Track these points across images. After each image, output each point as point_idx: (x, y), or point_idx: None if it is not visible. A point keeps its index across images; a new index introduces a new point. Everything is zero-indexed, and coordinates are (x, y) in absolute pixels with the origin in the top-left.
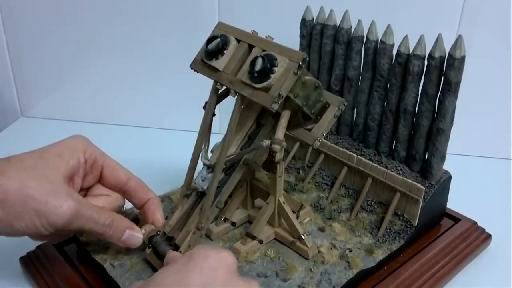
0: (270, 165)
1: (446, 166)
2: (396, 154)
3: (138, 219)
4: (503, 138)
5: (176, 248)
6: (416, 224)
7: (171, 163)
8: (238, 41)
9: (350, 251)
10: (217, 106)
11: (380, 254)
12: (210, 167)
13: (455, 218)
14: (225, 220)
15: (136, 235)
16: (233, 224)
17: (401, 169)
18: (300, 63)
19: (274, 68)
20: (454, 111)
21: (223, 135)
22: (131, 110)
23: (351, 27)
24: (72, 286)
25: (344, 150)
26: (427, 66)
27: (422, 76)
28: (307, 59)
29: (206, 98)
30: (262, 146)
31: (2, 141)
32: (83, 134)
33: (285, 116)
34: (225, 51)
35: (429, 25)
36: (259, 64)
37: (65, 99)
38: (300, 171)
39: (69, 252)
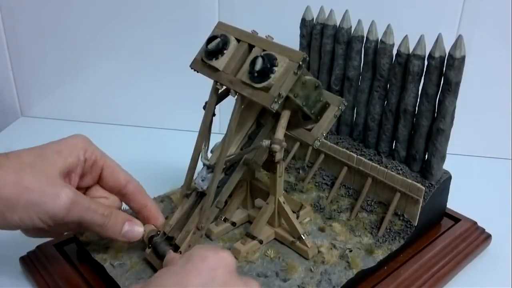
0: (270, 165)
1: (446, 166)
2: (396, 154)
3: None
4: (503, 138)
5: (176, 248)
6: (416, 224)
7: (171, 163)
8: (238, 41)
9: (350, 251)
10: (217, 106)
11: (380, 254)
12: (210, 167)
13: (455, 218)
14: (225, 220)
15: (136, 228)
16: (233, 224)
17: (401, 169)
18: (300, 63)
19: (274, 68)
20: (454, 111)
21: (223, 135)
22: (131, 110)
23: (351, 27)
24: (72, 286)
25: (344, 150)
26: (427, 66)
27: (422, 76)
28: (307, 59)
29: (206, 98)
30: (262, 146)
31: (2, 140)
32: (83, 134)
33: (285, 116)
34: (225, 51)
35: (429, 25)
36: (259, 64)
37: (65, 99)
38: (300, 171)
39: (69, 252)
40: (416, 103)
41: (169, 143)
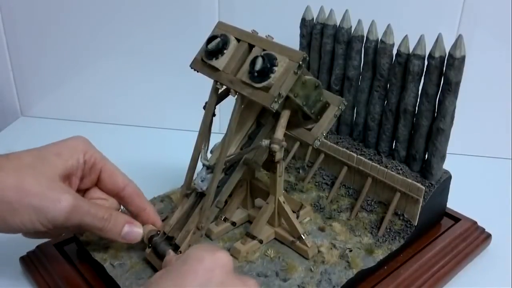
0: (270, 164)
1: (446, 166)
2: (396, 153)
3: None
4: (503, 138)
5: (176, 247)
6: (416, 224)
7: (171, 163)
8: (238, 40)
9: (350, 251)
10: (217, 106)
11: (380, 254)
12: (209, 168)
13: (455, 218)
14: (225, 219)
15: (135, 230)
16: (233, 224)
17: (401, 169)
18: (300, 62)
19: (274, 67)
20: (454, 111)
21: (223, 135)
22: (131, 110)
23: (351, 26)
24: (72, 286)
25: (344, 149)
26: (427, 66)
27: (422, 76)
28: (307, 58)
29: (206, 98)
30: (262, 146)
31: (2, 140)
32: (83, 134)
33: (285, 115)
34: (225, 51)
35: (429, 25)
36: (259, 64)
37: (65, 99)
38: (300, 171)
39: (69, 251)
40: (416, 103)
41: (169, 143)
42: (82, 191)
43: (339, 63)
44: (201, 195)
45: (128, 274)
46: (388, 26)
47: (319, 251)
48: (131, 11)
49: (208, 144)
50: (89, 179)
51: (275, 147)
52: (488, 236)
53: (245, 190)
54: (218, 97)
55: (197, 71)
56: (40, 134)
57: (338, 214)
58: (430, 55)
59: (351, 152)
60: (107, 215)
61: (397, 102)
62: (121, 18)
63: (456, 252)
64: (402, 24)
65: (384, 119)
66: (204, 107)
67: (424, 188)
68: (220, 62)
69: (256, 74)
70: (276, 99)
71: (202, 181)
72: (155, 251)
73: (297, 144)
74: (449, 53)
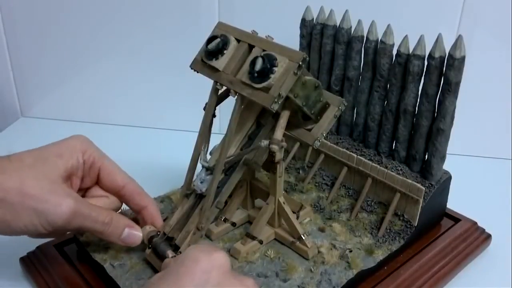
0: (270, 165)
1: (446, 166)
2: (396, 154)
3: (137, 220)
4: (503, 138)
5: (176, 248)
6: (416, 224)
7: (171, 163)
8: (238, 41)
9: (350, 251)
10: (217, 107)
11: (380, 254)
12: (208, 169)
13: (455, 218)
14: (225, 220)
15: (135, 233)
16: (233, 224)
17: (401, 169)
18: (300, 63)
19: (274, 68)
20: (454, 111)
21: (223, 136)
22: (131, 110)
23: (351, 27)
24: (72, 286)
25: (344, 150)
26: (427, 66)
27: (422, 76)
28: (307, 59)
29: (206, 98)
30: (261, 147)
31: (2, 141)
32: (83, 134)
33: (284, 116)
34: (225, 51)
35: (429, 25)
36: (259, 64)
37: (65, 99)
38: (300, 171)
39: (69, 252)
40: (416, 103)
41: (169, 143)
42: (84, 190)
43: (339, 64)
44: (201, 196)
45: (128, 275)
46: (388, 26)
47: (319, 252)
48: (131, 11)
49: (208, 145)
50: (89, 178)
51: (274, 147)
52: (488, 236)
53: (245, 191)
54: (218, 98)
55: (197, 72)
56: (40, 134)
57: (338, 215)
58: (430, 55)
59: (351, 153)
60: (108, 219)
61: (397, 103)
62: (121, 18)
63: (456, 252)
64: (402, 24)
65: (384, 119)
66: (204, 108)
67: (424, 188)
68: (220, 63)
69: (256, 74)
70: (276, 100)
71: (201, 182)
72: (155, 251)
73: (297, 144)
74: (449, 53)
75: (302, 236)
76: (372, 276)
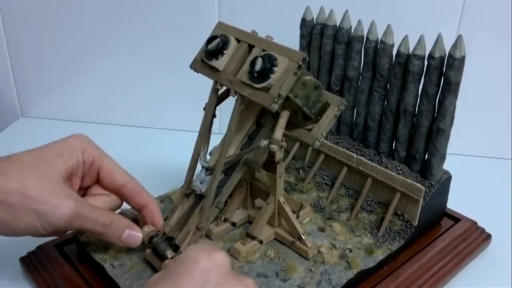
0: (270, 165)
1: (446, 166)
2: (396, 154)
3: (138, 220)
4: (503, 138)
5: (176, 248)
6: (416, 224)
7: (171, 163)
8: (238, 41)
9: (350, 251)
10: (217, 107)
11: (380, 254)
12: (208, 170)
13: (455, 218)
14: (225, 220)
15: (135, 235)
16: (233, 224)
17: (401, 169)
18: (300, 63)
19: (274, 68)
20: (454, 111)
21: (223, 135)
22: (131, 110)
23: (351, 27)
24: (72, 286)
25: (344, 150)
26: (427, 66)
27: (422, 76)
28: (307, 59)
29: (206, 98)
30: (260, 147)
31: (2, 141)
32: (83, 134)
33: (284, 116)
34: (225, 51)
35: (429, 25)
36: (259, 64)
37: (65, 99)
38: (300, 171)
39: (69, 252)
40: (416, 103)
41: (169, 143)
42: (84, 189)
43: (339, 64)
44: (201, 196)
45: (128, 275)
46: (388, 26)
47: (319, 252)
48: (131, 11)
49: (208, 145)
50: (89, 177)
51: (274, 147)
52: (488, 236)
53: (245, 191)
54: (218, 98)
55: (197, 72)
56: (40, 134)
57: (338, 215)
58: (430, 55)
59: (351, 153)
60: (108, 221)
61: (397, 102)
62: (121, 18)
63: (456, 252)
64: (402, 24)
65: (384, 119)
66: (204, 108)
67: (424, 188)
68: (220, 63)
69: (256, 74)
70: (276, 100)
71: (201, 183)
72: (155, 251)
73: (297, 144)
74: (449, 53)
75: (302, 236)
76: (372, 276)
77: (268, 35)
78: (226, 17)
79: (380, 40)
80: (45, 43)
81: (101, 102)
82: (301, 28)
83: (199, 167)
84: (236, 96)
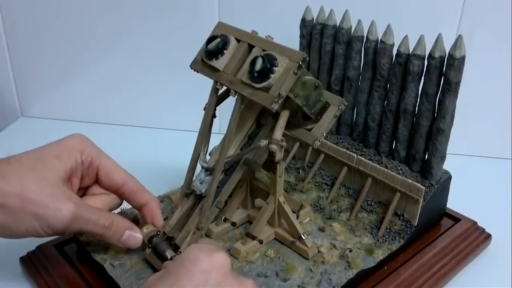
0: (270, 165)
1: (446, 166)
2: (396, 154)
3: (138, 220)
4: (503, 138)
5: (176, 248)
6: (416, 224)
7: (171, 163)
8: (238, 41)
9: (350, 251)
10: (217, 107)
11: (380, 254)
12: (208, 170)
13: (455, 218)
14: (225, 220)
15: (135, 236)
16: (233, 224)
17: (401, 169)
18: (300, 63)
19: (274, 68)
20: (454, 111)
21: (223, 135)
22: (131, 110)
23: (351, 27)
24: (72, 286)
25: (344, 150)
26: (427, 66)
27: (422, 76)
28: (307, 59)
29: (206, 98)
30: (260, 147)
31: (2, 141)
32: (81, 134)
33: (284, 116)
34: (225, 51)
35: (429, 25)
36: (259, 64)
37: (65, 99)
38: (300, 171)
39: (69, 252)
40: (416, 103)
41: (169, 143)
42: (84, 189)
43: (339, 63)
44: (200, 196)
45: (128, 274)
46: (388, 26)
47: (319, 251)
48: (131, 11)
49: (208, 145)
50: (88, 178)
51: (273, 147)
52: (488, 236)
53: (245, 191)
54: (218, 98)
55: (197, 72)
56: (40, 134)
57: (338, 214)
58: (430, 55)
59: (351, 153)
60: (108, 222)
61: (397, 102)
62: (121, 18)
63: (456, 252)
64: (402, 24)
65: (384, 119)
66: (204, 108)
67: (424, 188)
68: (220, 63)
69: (256, 74)
70: (276, 100)
71: (200, 183)
72: (155, 251)
73: (297, 144)
74: (449, 53)
75: (302, 235)
76: (372, 276)
77: (268, 35)
78: (226, 17)
79: (380, 40)
80: (45, 43)
81: (101, 102)
82: (301, 28)
83: (199, 167)
84: (236, 96)
